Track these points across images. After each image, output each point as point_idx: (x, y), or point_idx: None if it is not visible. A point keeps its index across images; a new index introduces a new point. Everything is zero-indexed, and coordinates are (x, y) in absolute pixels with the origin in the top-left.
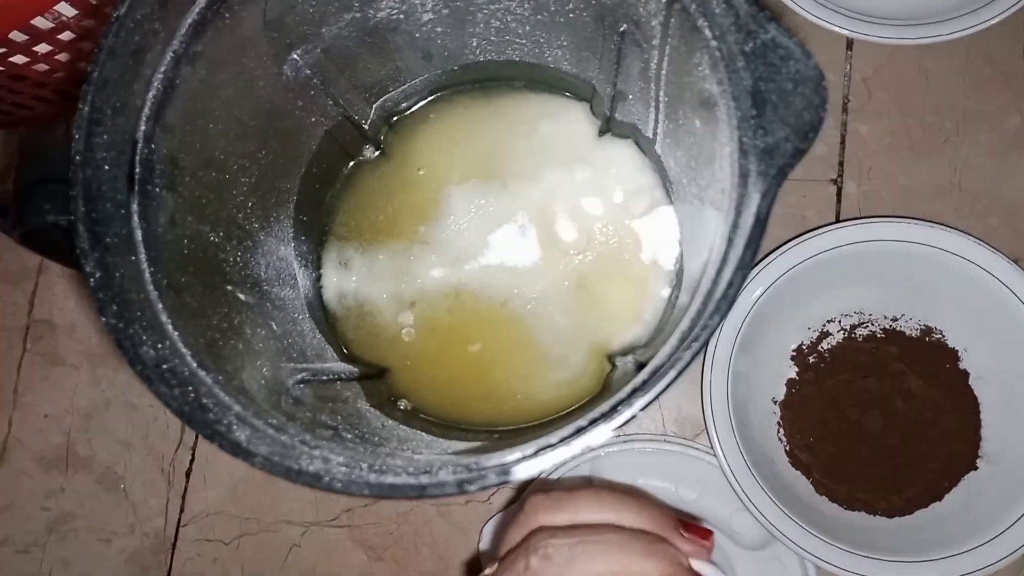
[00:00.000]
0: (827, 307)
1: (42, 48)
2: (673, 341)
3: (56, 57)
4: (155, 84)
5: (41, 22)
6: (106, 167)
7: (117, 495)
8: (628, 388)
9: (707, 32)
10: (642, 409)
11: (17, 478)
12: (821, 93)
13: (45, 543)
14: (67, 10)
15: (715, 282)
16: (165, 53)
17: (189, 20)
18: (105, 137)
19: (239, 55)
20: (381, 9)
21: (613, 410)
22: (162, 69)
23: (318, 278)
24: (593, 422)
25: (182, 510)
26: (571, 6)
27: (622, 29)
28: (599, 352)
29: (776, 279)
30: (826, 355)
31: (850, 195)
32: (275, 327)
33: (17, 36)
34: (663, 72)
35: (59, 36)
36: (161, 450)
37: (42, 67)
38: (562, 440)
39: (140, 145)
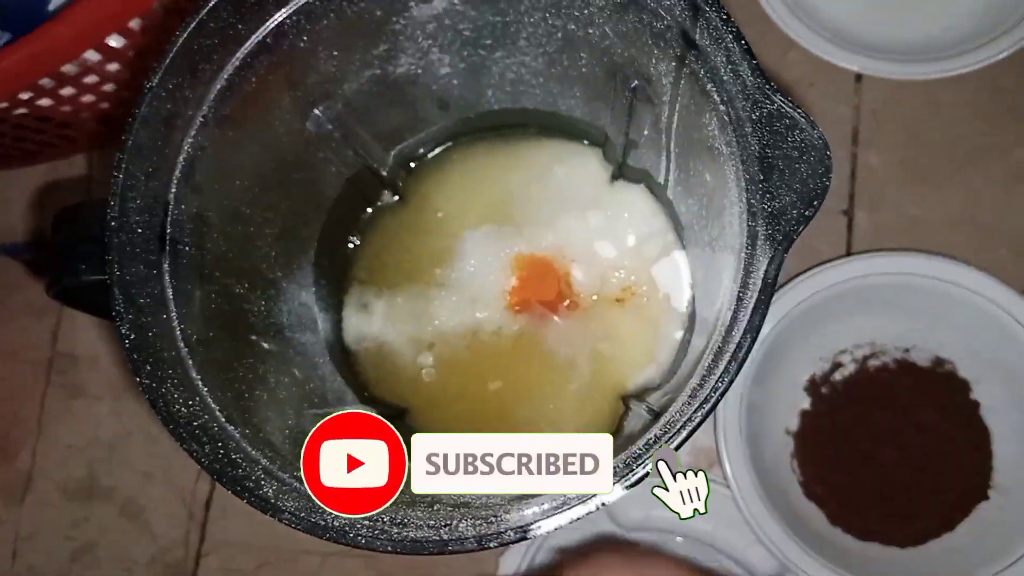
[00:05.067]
0: (839, 338)
1: (67, 91)
2: (685, 397)
3: (81, 99)
4: (185, 148)
5: (68, 68)
6: (139, 230)
7: (138, 525)
8: (642, 442)
9: (715, 96)
10: (654, 467)
11: (42, 508)
12: (826, 162)
13: (69, 572)
14: (92, 55)
15: (726, 340)
16: (195, 118)
17: (218, 86)
18: (138, 202)
19: (264, 115)
20: (400, 65)
21: (627, 467)
22: (192, 133)
23: (338, 321)
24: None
25: (202, 540)
26: (583, 62)
27: (633, 85)
28: (613, 393)
29: (789, 311)
30: (839, 387)
31: (861, 226)
32: (297, 373)
33: (45, 82)
34: (674, 126)
35: (84, 80)
36: (181, 481)
37: (67, 108)
38: (580, 499)
39: (171, 207)
